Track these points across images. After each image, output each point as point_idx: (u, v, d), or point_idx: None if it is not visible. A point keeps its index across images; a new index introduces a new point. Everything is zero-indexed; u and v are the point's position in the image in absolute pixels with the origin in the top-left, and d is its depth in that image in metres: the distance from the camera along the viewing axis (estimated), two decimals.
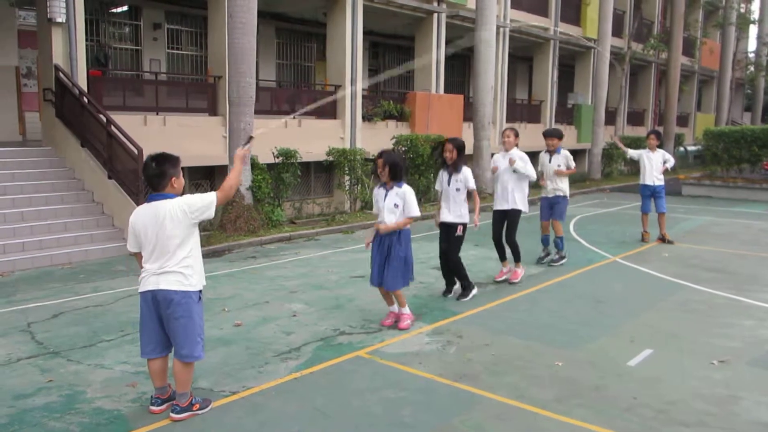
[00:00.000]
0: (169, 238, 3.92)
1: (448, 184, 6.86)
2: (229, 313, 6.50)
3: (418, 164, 14.50)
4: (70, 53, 10.85)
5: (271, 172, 11.83)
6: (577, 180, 21.83)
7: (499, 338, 5.73)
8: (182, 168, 4.12)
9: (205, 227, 11.45)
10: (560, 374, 4.89)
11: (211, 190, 4.17)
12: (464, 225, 6.83)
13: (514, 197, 7.63)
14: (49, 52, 10.77)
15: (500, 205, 7.73)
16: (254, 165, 11.34)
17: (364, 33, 16.86)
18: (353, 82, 15.71)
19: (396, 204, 5.82)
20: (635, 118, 28.35)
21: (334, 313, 6.53)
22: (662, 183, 10.37)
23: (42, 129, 11.75)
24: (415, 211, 5.84)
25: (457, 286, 7.17)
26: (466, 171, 6.80)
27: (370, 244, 6.05)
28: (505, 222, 7.75)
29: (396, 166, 5.81)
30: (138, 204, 9.54)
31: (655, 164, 10.35)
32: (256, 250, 10.13)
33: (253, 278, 8.15)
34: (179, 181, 4.07)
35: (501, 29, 19.38)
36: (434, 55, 17.88)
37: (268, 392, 4.53)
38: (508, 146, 7.60)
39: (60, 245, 9.07)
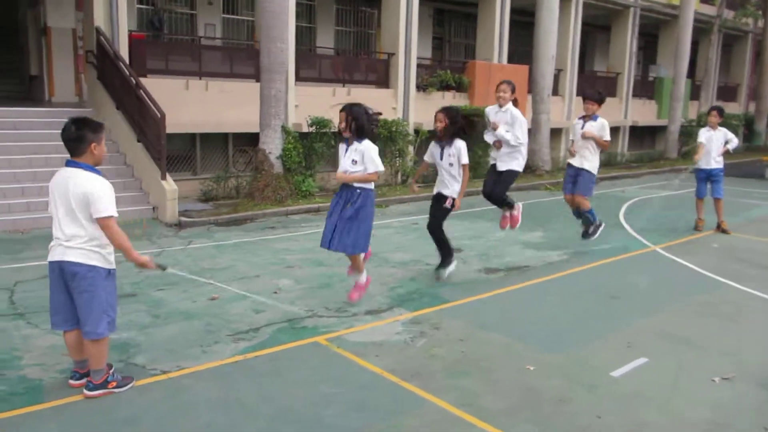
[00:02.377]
0: (77, 211, 3.74)
1: (441, 159, 6.34)
2: (212, 285, 6.32)
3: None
4: (111, 16, 10.94)
5: (304, 141, 11.56)
6: (652, 158, 20.36)
7: (479, 333, 5.22)
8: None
9: (232, 195, 11.40)
10: (526, 380, 4.34)
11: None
12: (454, 200, 6.36)
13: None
14: (92, 14, 10.90)
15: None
16: (286, 132, 11.11)
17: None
18: (407, 50, 15.10)
19: (354, 160, 5.42)
20: (727, 93, 25.94)
21: (318, 292, 6.21)
22: (721, 166, 9.27)
23: (86, 91, 12.00)
24: (373, 166, 5.39)
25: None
26: (459, 144, 6.23)
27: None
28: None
29: (359, 120, 5.38)
30: (161, 170, 9.58)
31: (715, 145, 9.25)
32: (279, 221, 9.95)
33: (257, 250, 7.97)
34: (100, 149, 3.88)
35: None
36: (497, 22, 16.92)
37: (201, 374, 4.28)
38: (503, 102, 6.73)
39: None
